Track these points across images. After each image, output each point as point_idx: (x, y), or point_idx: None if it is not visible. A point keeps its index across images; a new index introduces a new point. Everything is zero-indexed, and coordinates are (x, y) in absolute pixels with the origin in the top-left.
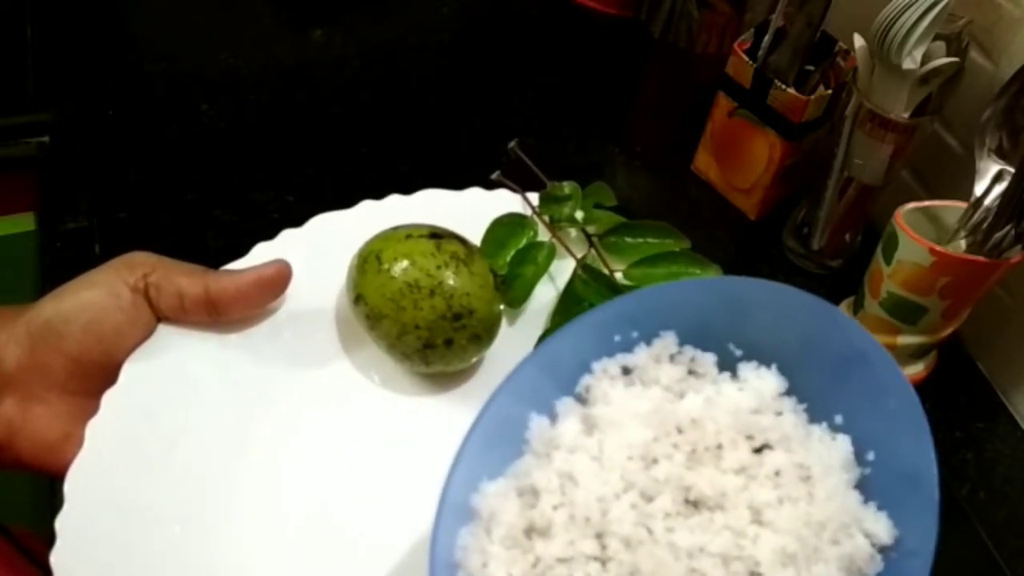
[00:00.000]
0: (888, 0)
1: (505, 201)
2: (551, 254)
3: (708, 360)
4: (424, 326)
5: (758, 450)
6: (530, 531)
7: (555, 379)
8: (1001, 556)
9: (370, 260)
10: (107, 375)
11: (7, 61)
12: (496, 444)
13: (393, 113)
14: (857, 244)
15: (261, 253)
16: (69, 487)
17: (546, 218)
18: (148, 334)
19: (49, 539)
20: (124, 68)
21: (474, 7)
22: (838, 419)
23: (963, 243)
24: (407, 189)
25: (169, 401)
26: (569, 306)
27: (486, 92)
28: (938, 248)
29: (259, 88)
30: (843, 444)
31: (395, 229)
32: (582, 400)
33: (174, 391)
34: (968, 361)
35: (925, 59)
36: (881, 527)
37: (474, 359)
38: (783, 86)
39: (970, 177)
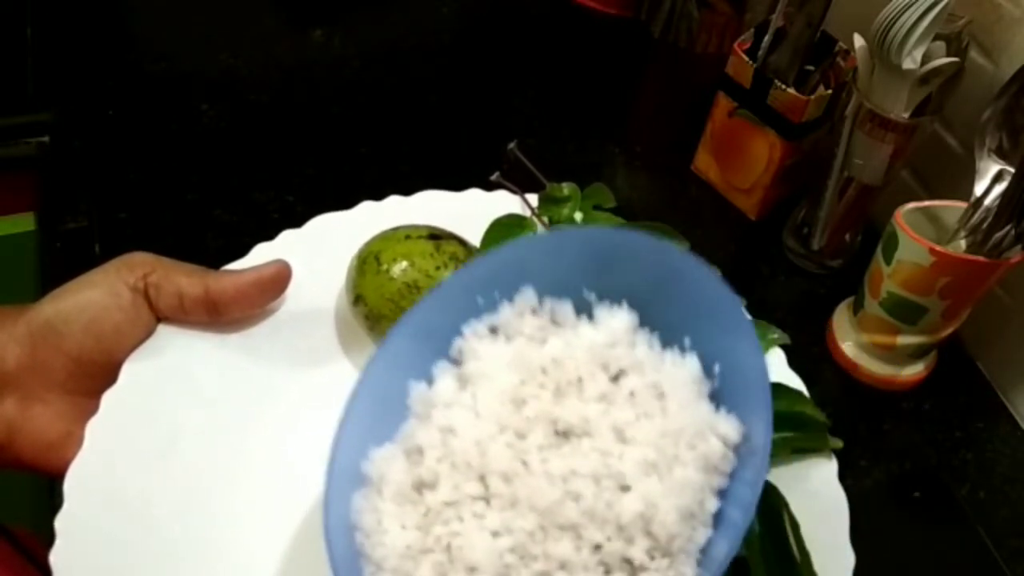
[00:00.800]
0: (888, 0)
1: (504, 202)
2: None
3: (566, 308)
4: None
5: (615, 378)
6: (419, 486)
7: (429, 346)
8: (1001, 556)
9: (369, 261)
10: (107, 375)
11: (7, 61)
12: (378, 413)
13: (393, 113)
14: (857, 244)
15: (261, 254)
16: (69, 486)
17: (545, 219)
18: (148, 334)
19: (49, 540)
20: (124, 68)
21: (474, 7)
22: (686, 341)
23: (963, 243)
24: (407, 189)
25: (169, 401)
26: None
27: (486, 92)
28: (938, 248)
29: (259, 88)
30: (691, 361)
31: (394, 230)
32: (455, 361)
33: (174, 391)
34: (968, 361)
35: (925, 59)
36: (731, 427)
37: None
38: (783, 86)
39: (970, 177)
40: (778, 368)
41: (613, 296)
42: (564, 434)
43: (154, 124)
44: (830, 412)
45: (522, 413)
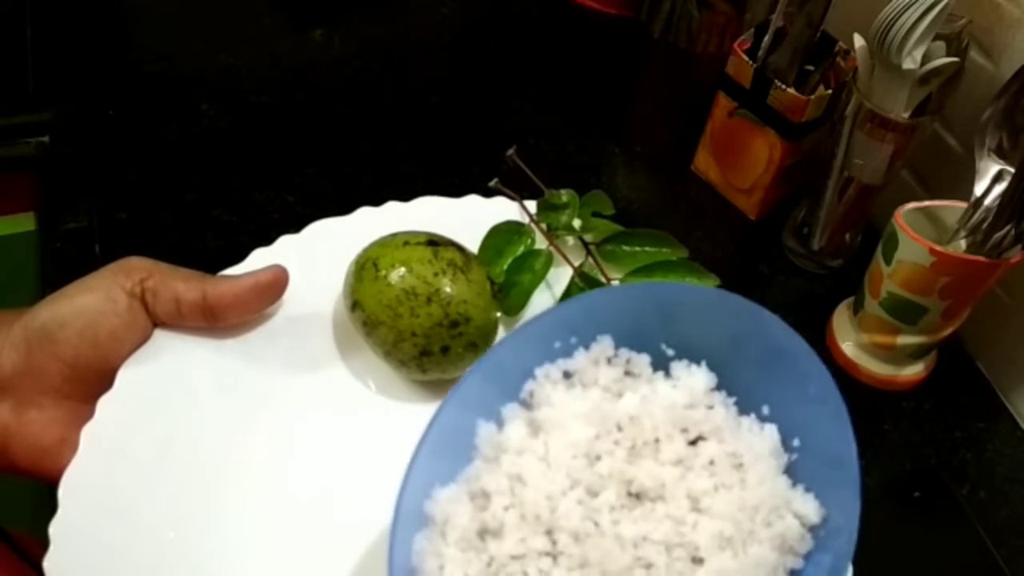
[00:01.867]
0: (888, 0)
1: (503, 209)
2: (548, 262)
3: (643, 361)
4: (421, 333)
5: (693, 442)
6: (483, 532)
7: (500, 387)
8: (1001, 556)
9: (367, 267)
10: (103, 380)
11: (7, 61)
12: (446, 452)
13: (393, 113)
14: (857, 244)
15: (259, 259)
16: (63, 492)
17: (544, 226)
18: (144, 339)
19: (48, 544)
20: (124, 68)
21: (474, 7)
22: (765, 410)
23: (963, 243)
24: (407, 189)
25: (165, 406)
26: None
27: (486, 92)
28: (938, 248)
29: (259, 88)
30: (771, 432)
31: (393, 236)
32: (527, 405)
33: (170, 396)
34: (968, 361)
35: (925, 59)
36: (809, 507)
37: (470, 367)
38: (783, 86)
39: (970, 177)
40: None
41: (691, 353)
42: (637, 496)
43: (154, 124)
44: None
45: (595, 469)
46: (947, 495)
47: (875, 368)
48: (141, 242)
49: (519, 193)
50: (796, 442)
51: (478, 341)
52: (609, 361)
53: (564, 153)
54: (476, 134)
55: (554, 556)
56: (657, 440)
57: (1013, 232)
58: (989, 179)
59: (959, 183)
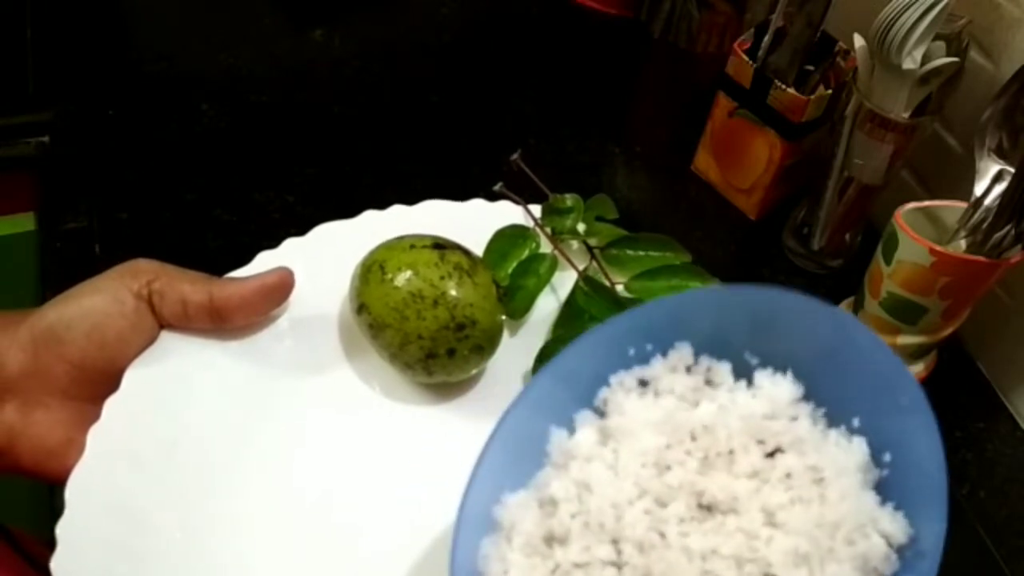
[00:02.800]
0: (888, 0)
1: (507, 212)
2: (553, 266)
3: (723, 369)
4: (427, 336)
5: (771, 454)
6: (549, 539)
7: (572, 392)
8: (1001, 556)
9: (374, 270)
10: (109, 381)
11: (7, 61)
12: (515, 456)
13: (393, 113)
14: (857, 244)
15: (264, 261)
16: (70, 493)
17: (548, 230)
18: (151, 341)
19: (49, 542)
20: (124, 68)
21: (474, 7)
22: (855, 422)
23: (963, 243)
24: (407, 189)
25: (171, 408)
26: (571, 318)
27: (486, 92)
28: (938, 248)
29: (259, 88)
30: (859, 446)
31: (399, 239)
32: (599, 412)
33: (176, 398)
34: (968, 361)
35: (925, 59)
36: (897, 527)
37: (476, 370)
38: (783, 86)
39: (970, 177)
40: None
41: (777, 363)
42: (708, 508)
43: (154, 124)
44: None
45: (664, 479)
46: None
47: None
48: (141, 242)
49: (523, 197)
50: (887, 457)
51: (484, 344)
52: (688, 369)
53: (564, 153)
54: (476, 134)
55: (619, 566)
56: (732, 451)
57: (1013, 232)
58: (989, 179)
59: (959, 183)
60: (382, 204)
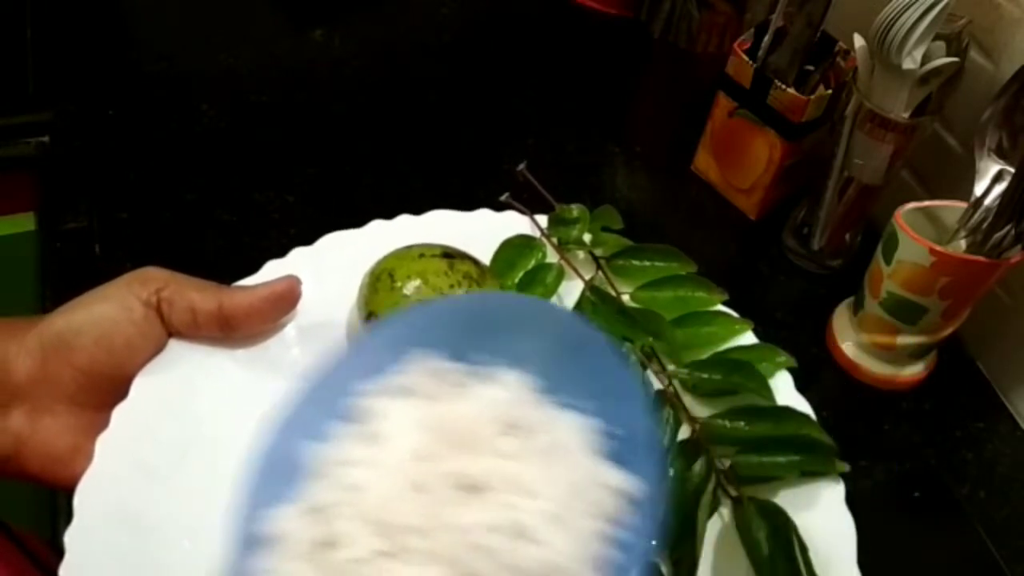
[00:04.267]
0: (888, 0)
1: (514, 222)
2: (559, 276)
3: (466, 369)
4: None
5: (519, 436)
6: (323, 544)
7: (324, 407)
8: (1001, 556)
9: (383, 278)
10: (118, 389)
11: (7, 61)
12: (276, 476)
13: (393, 113)
14: (857, 244)
15: (272, 270)
16: (78, 501)
17: (554, 240)
18: (159, 349)
19: (50, 540)
20: (124, 68)
21: (474, 7)
22: (585, 405)
23: (963, 243)
24: (407, 189)
25: (179, 416)
26: None
27: (486, 92)
28: (938, 248)
29: (259, 88)
30: (586, 420)
31: (408, 248)
32: (356, 421)
33: (184, 406)
34: (968, 361)
35: (925, 59)
36: (626, 483)
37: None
38: (783, 86)
39: (970, 177)
40: (785, 391)
41: (515, 360)
42: (471, 488)
43: (154, 124)
44: (830, 412)
45: (428, 469)
46: (947, 495)
47: (875, 368)
48: (141, 242)
49: (529, 207)
50: (608, 426)
51: None
52: (434, 372)
53: (564, 153)
54: (476, 134)
55: (395, 555)
56: (485, 436)
57: (1013, 232)
58: (989, 179)
59: (959, 183)
60: (382, 204)
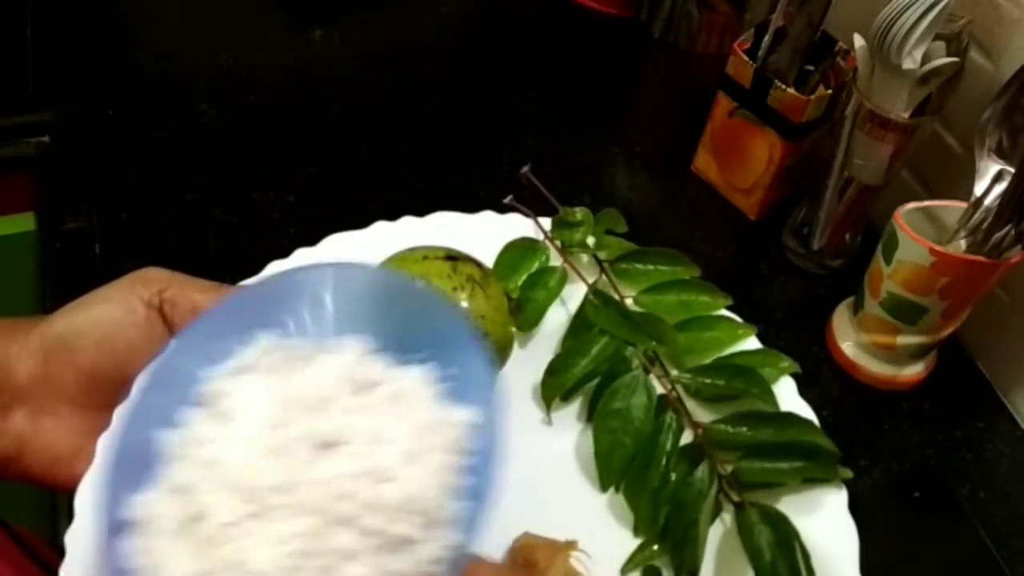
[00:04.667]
0: (888, 0)
1: (517, 225)
2: (563, 279)
3: (306, 342)
4: None
5: (365, 392)
6: (192, 519)
7: (168, 394)
8: (1001, 556)
9: None
10: (119, 390)
11: (7, 61)
12: (136, 464)
13: (393, 113)
14: (857, 244)
15: (274, 271)
16: (79, 502)
17: (558, 243)
18: (161, 350)
19: (51, 540)
20: (124, 68)
21: (474, 7)
22: (422, 354)
23: (963, 243)
24: (407, 189)
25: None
26: (579, 331)
27: (486, 92)
28: (938, 248)
29: (259, 88)
30: (427, 370)
31: (411, 250)
32: (205, 404)
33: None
34: (968, 361)
35: (925, 59)
36: (467, 414)
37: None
38: (783, 86)
39: (970, 177)
40: (788, 397)
41: (351, 326)
42: (327, 445)
43: (154, 124)
44: (830, 412)
45: (283, 435)
46: (947, 495)
47: (875, 368)
48: (141, 242)
49: (533, 210)
50: (443, 371)
51: (496, 356)
52: (273, 349)
53: (564, 153)
54: (476, 134)
55: (264, 513)
56: (334, 396)
57: (1013, 232)
58: (989, 179)
59: (959, 183)
60: (382, 204)
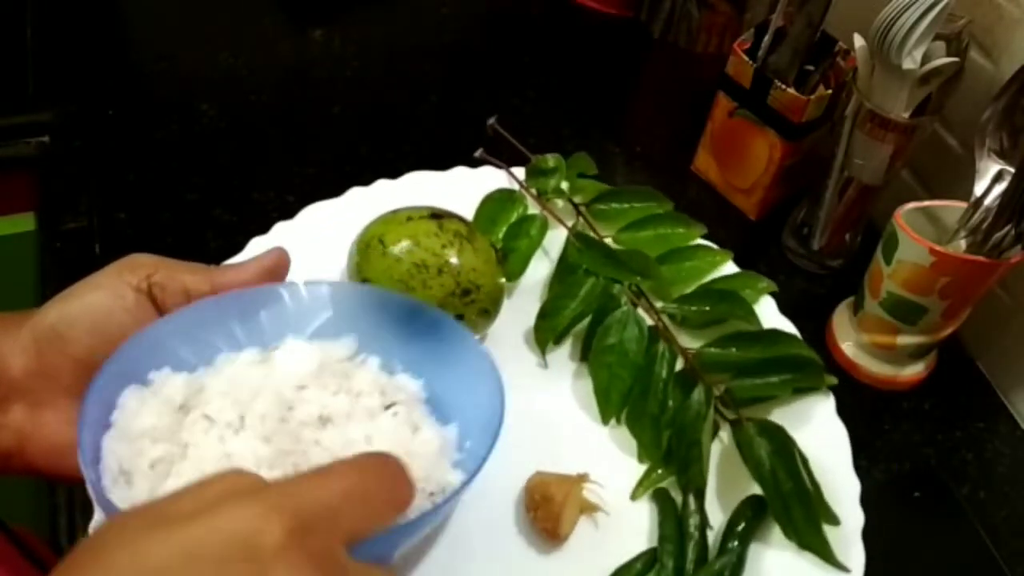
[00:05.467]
0: (888, 0)
1: (491, 178)
2: (543, 226)
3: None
4: (435, 304)
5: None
6: (187, 405)
7: (154, 361)
8: (1001, 556)
9: (373, 244)
10: None
11: (7, 61)
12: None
13: (393, 113)
14: (857, 244)
15: (257, 247)
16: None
17: (533, 191)
18: None
19: (49, 539)
20: (124, 68)
21: (474, 7)
22: (410, 367)
23: (963, 243)
24: None
25: None
26: (565, 274)
27: (486, 92)
28: (938, 248)
29: (259, 88)
30: (418, 382)
31: (394, 212)
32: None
33: None
34: (968, 361)
35: (925, 59)
36: (448, 433)
37: (482, 333)
38: (783, 86)
39: (970, 177)
40: (770, 315)
41: (335, 332)
42: (326, 420)
43: (154, 124)
44: None
45: (300, 396)
46: (947, 495)
47: (875, 368)
48: (141, 242)
49: (504, 161)
50: (433, 385)
51: (489, 307)
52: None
53: (564, 153)
54: (476, 135)
55: (239, 431)
56: (328, 385)
57: (1013, 232)
58: (989, 179)
59: (959, 183)
60: None
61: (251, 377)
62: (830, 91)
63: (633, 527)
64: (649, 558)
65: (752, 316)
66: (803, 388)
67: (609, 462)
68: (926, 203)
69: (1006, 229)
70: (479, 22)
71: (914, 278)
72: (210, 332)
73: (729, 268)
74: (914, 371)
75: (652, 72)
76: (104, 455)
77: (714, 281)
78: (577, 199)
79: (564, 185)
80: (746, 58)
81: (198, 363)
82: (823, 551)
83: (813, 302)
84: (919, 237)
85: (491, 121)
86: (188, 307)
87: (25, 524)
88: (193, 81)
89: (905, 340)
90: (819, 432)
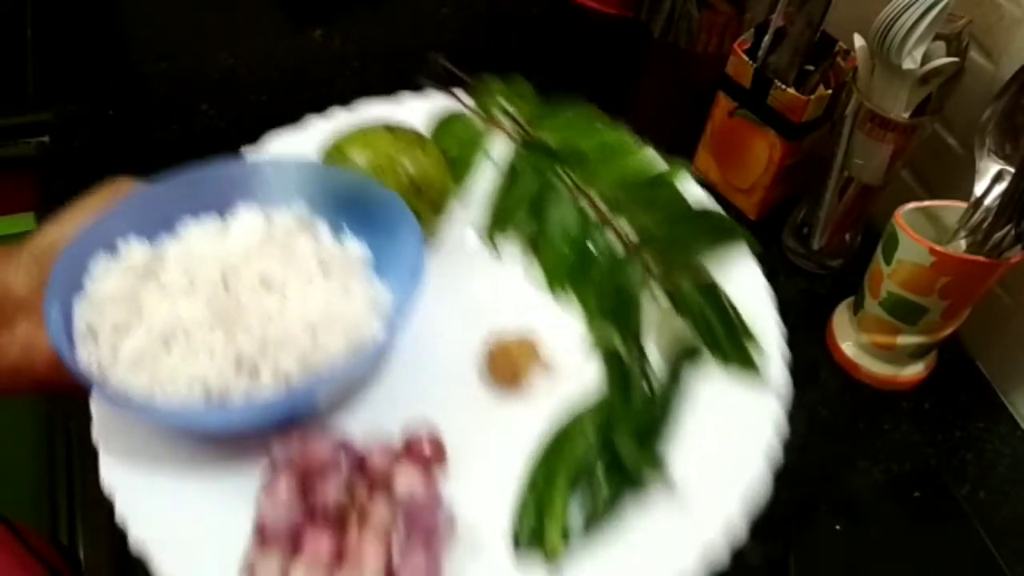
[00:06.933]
0: (888, 0)
1: (437, 103)
2: (487, 135)
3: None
4: None
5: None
6: (151, 270)
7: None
8: (1001, 556)
9: (333, 155)
10: None
11: (7, 61)
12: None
13: None
14: (857, 244)
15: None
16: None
17: (479, 112)
18: None
19: (50, 534)
20: (124, 68)
21: (474, 7)
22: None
23: (963, 243)
24: None
25: None
26: (511, 177)
27: None
28: (938, 248)
29: (259, 88)
30: (357, 243)
31: (350, 132)
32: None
33: None
34: (968, 361)
35: (925, 59)
36: (362, 250)
37: (434, 227)
38: (783, 86)
39: (970, 177)
40: (687, 186)
41: (290, 199)
42: (268, 285)
43: (154, 124)
44: (830, 412)
45: (232, 266)
46: (947, 495)
47: (875, 368)
48: None
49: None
50: (371, 243)
51: (440, 203)
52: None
53: None
54: None
55: (191, 294)
56: (284, 249)
57: (1013, 232)
58: (989, 179)
59: (959, 183)
60: None
61: (205, 244)
62: (830, 91)
63: (583, 377)
64: (601, 397)
65: (680, 198)
66: (725, 248)
67: (560, 325)
68: (926, 203)
69: (1006, 229)
70: (479, 22)
71: (914, 278)
72: (175, 204)
73: (658, 162)
74: (914, 371)
75: (652, 72)
76: (75, 317)
77: (647, 175)
78: (518, 115)
79: (504, 103)
80: (746, 58)
81: (162, 232)
82: (749, 366)
83: (813, 302)
84: (919, 237)
85: (432, 53)
86: (158, 183)
87: (26, 521)
88: (193, 81)
89: (905, 340)
90: (745, 287)
